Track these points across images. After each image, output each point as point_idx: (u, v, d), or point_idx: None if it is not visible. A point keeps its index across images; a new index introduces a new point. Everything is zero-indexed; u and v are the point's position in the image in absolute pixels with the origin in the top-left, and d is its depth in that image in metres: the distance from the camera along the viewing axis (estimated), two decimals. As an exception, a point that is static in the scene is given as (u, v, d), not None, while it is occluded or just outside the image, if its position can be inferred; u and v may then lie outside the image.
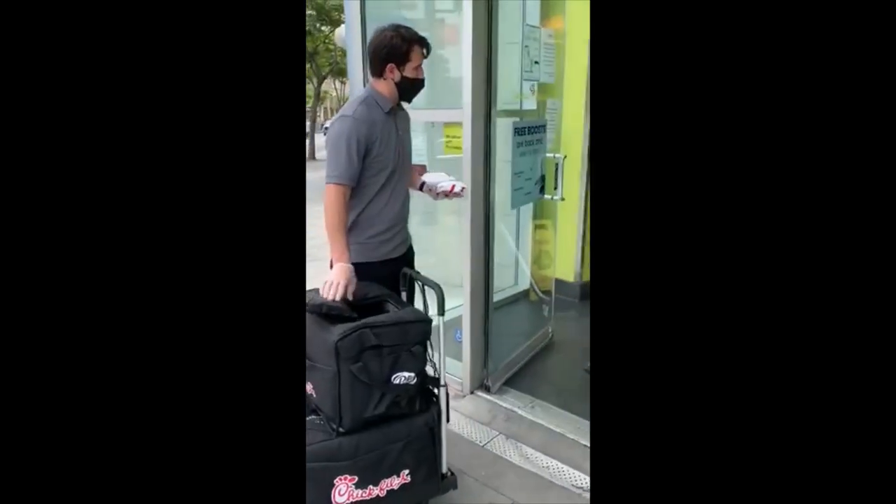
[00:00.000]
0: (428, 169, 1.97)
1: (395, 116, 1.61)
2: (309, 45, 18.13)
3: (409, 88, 1.58)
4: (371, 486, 1.36)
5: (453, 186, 1.74)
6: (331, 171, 1.47)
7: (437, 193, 1.77)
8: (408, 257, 1.74)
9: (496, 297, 2.98)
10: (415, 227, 2.36)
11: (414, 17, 2.80)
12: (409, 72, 1.54)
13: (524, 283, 3.23)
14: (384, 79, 1.54)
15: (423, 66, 1.57)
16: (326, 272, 1.46)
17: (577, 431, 2.03)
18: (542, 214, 2.97)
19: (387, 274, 1.61)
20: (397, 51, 1.50)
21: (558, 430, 2.05)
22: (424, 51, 1.55)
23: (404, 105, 1.68)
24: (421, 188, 1.80)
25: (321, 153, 12.58)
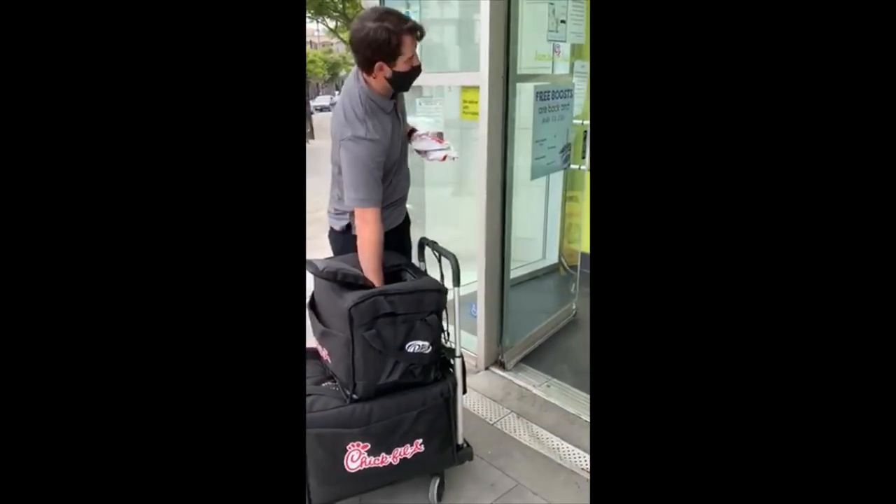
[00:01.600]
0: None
1: (397, 110, 1.61)
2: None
3: (403, 81, 1.53)
4: (384, 454, 1.49)
5: (445, 157, 1.77)
6: (362, 194, 1.49)
7: (430, 160, 1.82)
8: (403, 226, 1.83)
9: (520, 272, 3.10)
10: (444, 197, 2.42)
11: None
12: (400, 66, 1.47)
13: (552, 258, 3.33)
14: (374, 77, 1.50)
15: (417, 53, 1.50)
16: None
17: None
18: (572, 185, 3.03)
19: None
20: (384, 46, 1.42)
21: (573, 411, 2.15)
22: (418, 33, 1.47)
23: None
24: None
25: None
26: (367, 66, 1.48)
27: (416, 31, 1.46)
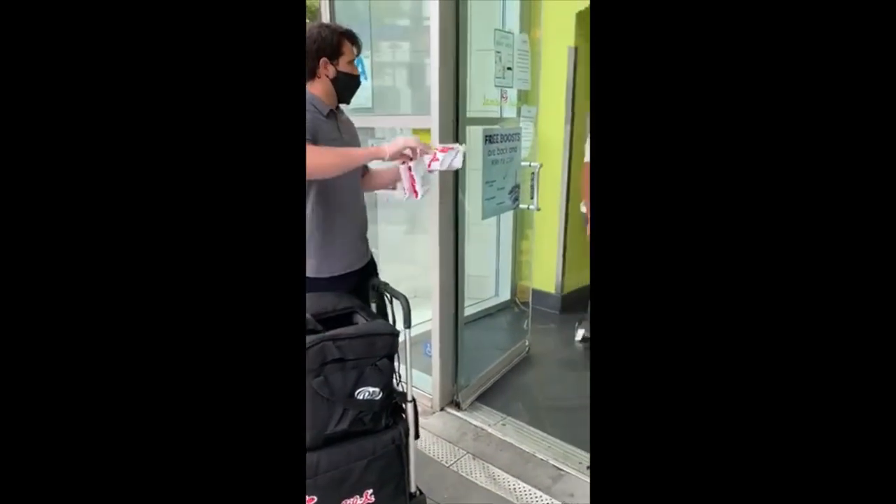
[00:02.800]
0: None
1: (338, 120, 1.63)
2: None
3: (347, 85, 1.61)
4: (332, 507, 1.41)
5: (434, 155, 1.54)
6: None
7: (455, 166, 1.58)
8: (367, 271, 1.77)
9: (474, 310, 3.10)
10: (398, 235, 2.42)
11: (402, 24, 2.92)
12: (343, 66, 1.57)
13: (505, 294, 3.36)
14: (318, 78, 1.57)
15: (358, 63, 1.61)
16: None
17: (547, 451, 2.11)
18: (522, 224, 3.10)
19: (344, 289, 1.64)
20: (327, 43, 1.54)
21: (528, 449, 2.12)
22: (355, 49, 1.59)
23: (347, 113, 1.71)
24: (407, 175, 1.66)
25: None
26: (312, 66, 1.56)
27: (355, 43, 1.60)
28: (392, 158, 1.50)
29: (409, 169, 1.50)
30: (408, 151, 1.50)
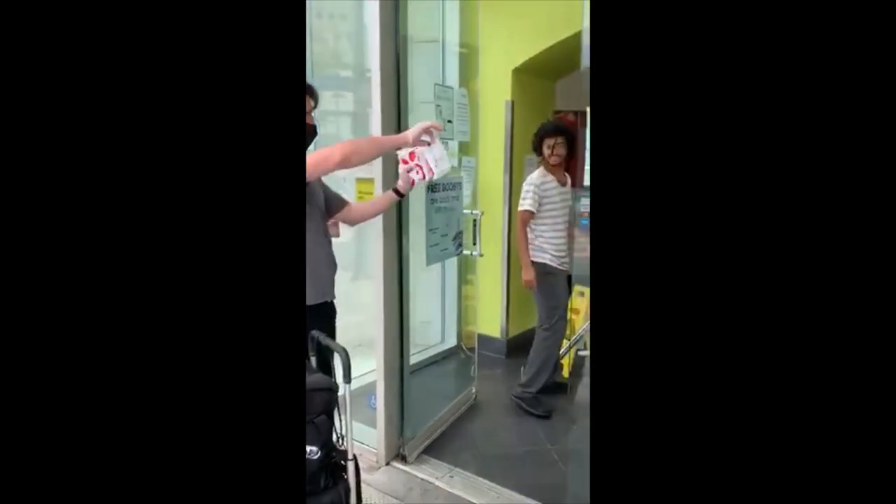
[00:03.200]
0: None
1: None
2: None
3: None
4: (266, 581, 1.30)
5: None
6: None
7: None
8: (325, 311, 1.76)
9: (421, 357, 3.04)
10: (344, 283, 2.39)
11: (344, 75, 2.96)
12: None
13: (451, 340, 3.32)
14: None
15: (314, 115, 1.67)
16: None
17: (496, 501, 2.06)
18: (466, 270, 3.12)
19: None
20: None
21: (477, 501, 2.06)
22: (312, 101, 1.64)
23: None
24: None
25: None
26: None
27: (311, 90, 1.62)
28: (415, 143, 1.71)
29: (422, 153, 1.76)
30: (426, 136, 1.72)
